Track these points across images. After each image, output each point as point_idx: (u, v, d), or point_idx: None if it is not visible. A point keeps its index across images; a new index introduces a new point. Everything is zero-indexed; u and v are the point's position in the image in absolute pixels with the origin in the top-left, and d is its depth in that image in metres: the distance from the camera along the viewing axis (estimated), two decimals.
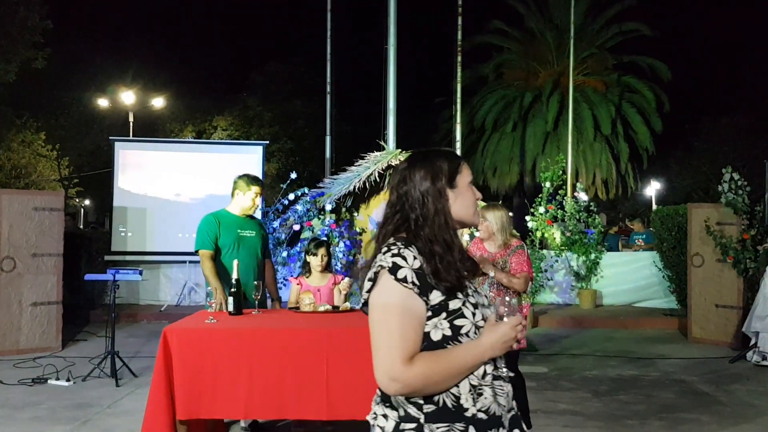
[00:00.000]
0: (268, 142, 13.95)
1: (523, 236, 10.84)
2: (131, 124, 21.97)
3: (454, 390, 1.69)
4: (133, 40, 30.88)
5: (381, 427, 1.75)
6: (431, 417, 1.69)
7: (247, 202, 4.86)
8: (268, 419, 4.18)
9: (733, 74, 22.29)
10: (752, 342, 7.46)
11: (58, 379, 6.26)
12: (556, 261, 10.67)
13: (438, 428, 1.68)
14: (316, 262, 4.86)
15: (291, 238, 10.10)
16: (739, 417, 5.34)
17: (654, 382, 6.50)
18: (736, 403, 5.75)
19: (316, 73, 21.78)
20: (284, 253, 9.83)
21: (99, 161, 24.23)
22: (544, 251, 10.61)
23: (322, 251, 4.89)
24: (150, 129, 25.08)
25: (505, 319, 1.72)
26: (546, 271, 10.54)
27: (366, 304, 1.77)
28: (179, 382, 3.56)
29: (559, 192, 10.74)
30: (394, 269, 1.68)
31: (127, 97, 22.28)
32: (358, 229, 10.64)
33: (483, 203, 4.98)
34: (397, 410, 1.72)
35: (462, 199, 1.85)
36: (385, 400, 1.76)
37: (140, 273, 6.76)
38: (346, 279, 4.94)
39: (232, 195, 4.91)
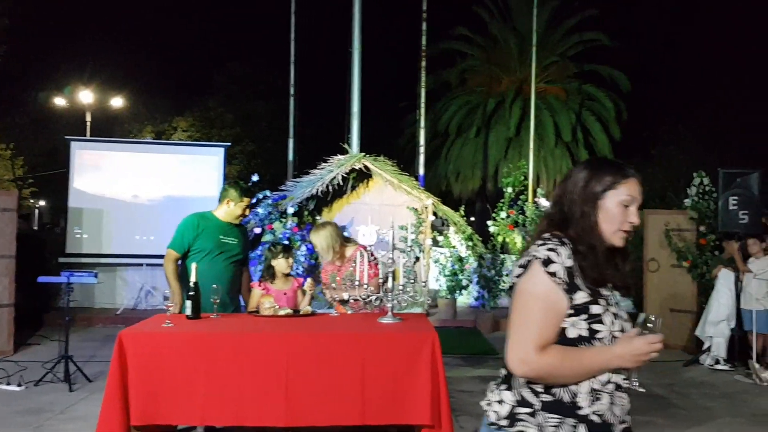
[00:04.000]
0: (229, 143, 13.79)
1: (484, 241, 10.99)
2: (88, 123, 21.50)
3: (573, 387, 1.76)
4: (92, 39, 30.26)
5: (496, 412, 1.84)
6: (547, 407, 1.77)
7: (238, 212, 4.76)
8: (226, 425, 4.11)
9: (689, 84, 22.81)
10: (706, 346, 7.64)
11: (9, 383, 6.10)
12: None
13: (550, 418, 1.76)
14: (284, 265, 4.82)
15: (252, 242, 10.00)
16: (694, 420, 5.45)
17: None
18: (690, 406, 5.88)
19: (279, 75, 21.61)
20: None
21: (55, 161, 23.64)
22: (505, 256, 10.70)
23: (290, 255, 4.89)
24: (108, 129, 24.49)
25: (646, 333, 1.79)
26: (507, 275, 10.62)
27: (511, 288, 1.87)
28: (134, 387, 3.49)
29: (521, 197, 10.85)
30: (546, 262, 1.76)
31: (85, 96, 21.76)
32: None
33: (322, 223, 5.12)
34: (514, 395, 1.81)
35: (605, 214, 1.85)
36: (505, 383, 1.85)
37: (95, 276, 6.65)
38: (309, 279, 4.94)
39: (220, 201, 4.79)
